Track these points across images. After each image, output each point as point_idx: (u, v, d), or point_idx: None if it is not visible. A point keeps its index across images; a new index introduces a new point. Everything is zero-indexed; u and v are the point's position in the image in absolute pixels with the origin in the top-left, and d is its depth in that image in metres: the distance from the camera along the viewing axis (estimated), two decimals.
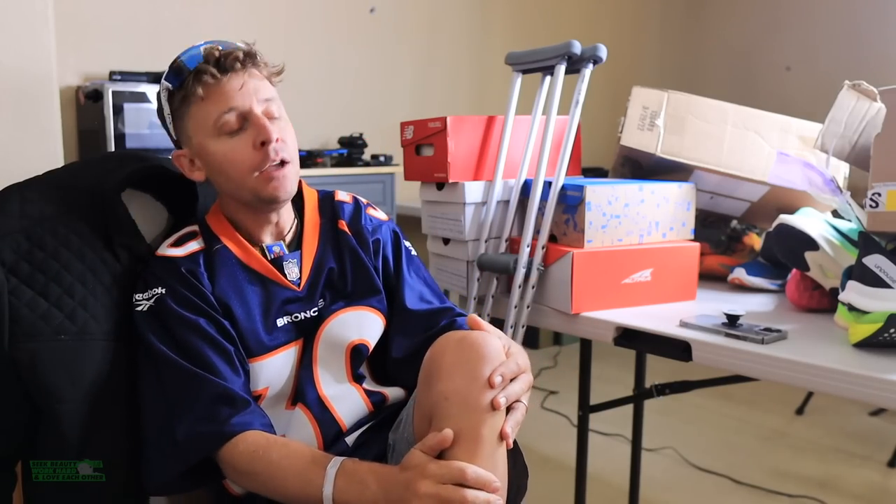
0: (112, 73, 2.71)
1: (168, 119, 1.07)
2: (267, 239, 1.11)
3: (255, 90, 1.03)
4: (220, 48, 1.02)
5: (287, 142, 1.05)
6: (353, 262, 1.13)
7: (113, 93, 2.55)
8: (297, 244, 1.13)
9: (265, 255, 1.10)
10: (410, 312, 1.14)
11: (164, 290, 1.03)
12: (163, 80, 1.04)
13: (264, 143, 1.02)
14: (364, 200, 1.22)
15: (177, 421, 0.97)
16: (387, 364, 1.14)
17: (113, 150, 2.51)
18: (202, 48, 1.02)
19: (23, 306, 0.98)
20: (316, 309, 1.09)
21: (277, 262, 1.09)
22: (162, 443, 0.98)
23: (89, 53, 2.84)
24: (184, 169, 1.09)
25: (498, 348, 0.94)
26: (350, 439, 1.07)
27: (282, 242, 1.11)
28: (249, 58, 1.03)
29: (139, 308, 1.03)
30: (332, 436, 1.06)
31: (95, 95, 2.56)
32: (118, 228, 1.08)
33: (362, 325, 1.11)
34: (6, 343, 0.96)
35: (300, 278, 1.10)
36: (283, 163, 1.04)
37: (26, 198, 1.06)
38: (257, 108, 1.02)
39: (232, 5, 3.19)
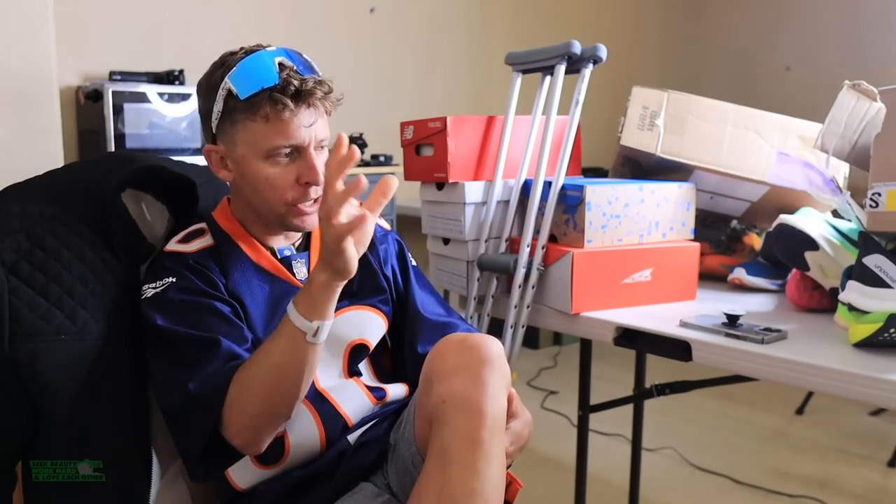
0: (112, 73, 2.71)
1: (215, 115, 1.02)
2: (277, 244, 1.12)
3: (317, 129, 1.03)
4: (298, 72, 1.00)
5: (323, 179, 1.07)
6: (362, 263, 1.14)
7: (113, 93, 2.55)
8: (305, 245, 1.15)
9: (275, 256, 1.11)
10: (427, 320, 1.17)
11: (174, 279, 1.02)
12: (227, 79, 0.99)
13: (308, 184, 1.03)
14: None
15: (192, 383, 0.95)
16: (406, 359, 1.17)
17: (113, 150, 2.51)
18: (276, 63, 0.99)
19: (23, 306, 0.98)
20: None
21: (286, 262, 1.11)
22: (186, 410, 0.96)
23: (89, 53, 2.84)
24: (211, 164, 1.08)
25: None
26: (352, 437, 1.07)
27: (291, 246, 1.13)
28: (324, 97, 1.02)
29: (146, 296, 1.03)
30: (337, 431, 1.06)
31: (95, 95, 2.56)
32: (119, 229, 1.08)
33: (364, 324, 1.12)
34: (6, 343, 0.96)
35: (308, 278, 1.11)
36: (316, 201, 1.05)
37: (26, 198, 1.06)
38: (312, 147, 1.03)
39: (232, 5, 3.19)
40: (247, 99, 0.99)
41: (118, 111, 2.55)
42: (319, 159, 1.04)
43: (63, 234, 1.04)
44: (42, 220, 1.04)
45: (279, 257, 1.11)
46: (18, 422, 1.00)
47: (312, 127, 1.02)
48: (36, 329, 0.98)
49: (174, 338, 0.99)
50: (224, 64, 1.02)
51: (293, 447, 1.04)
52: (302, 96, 0.99)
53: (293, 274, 1.10)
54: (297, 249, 1.14)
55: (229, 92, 1.00)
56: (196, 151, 2.68)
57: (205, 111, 1.05)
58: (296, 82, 0.98)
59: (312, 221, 1.07)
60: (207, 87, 1.03)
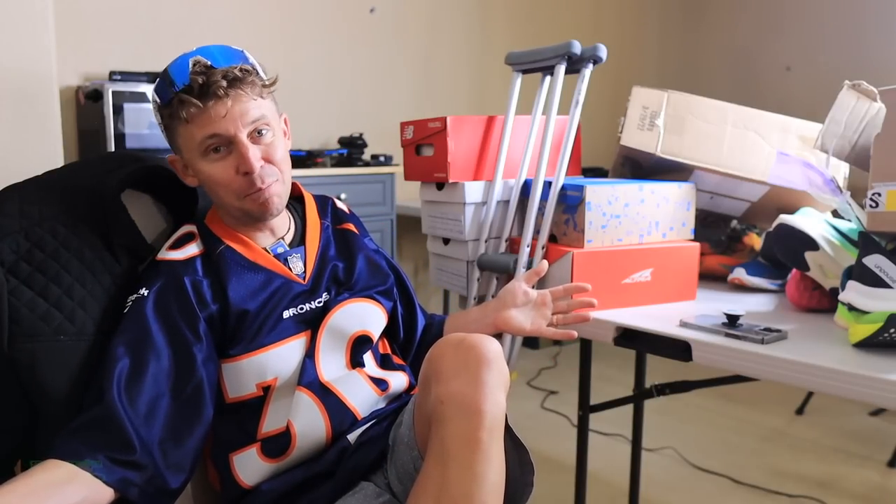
0: (112, 73, 2.71)
1: (161, 127, 1.08)
2: (264, 242, 1.12)
3: (241, 114, 1.01)
4: (207, 67, 0.99)
5: (275, 160, 1.05)
6: (364, 258, 1.19)
7: (113, 93, 2.54)
8: (299, 241, 1.16)
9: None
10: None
11: (146, 293, 1.03)
12: (153, 91, 1.04)
13: (247, 173, 1.03)
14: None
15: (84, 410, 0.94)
16: (414, 343, 1.28)
17: (113, 150, 2.51)
18: (190, 64, 1.00)
19: (22, 306, 0.98)
20: (321, 300, 1.12)
21: (281, 258, 1.12)
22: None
23: (89, 53, 2.83)
24: (178, 172, 1.11)
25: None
26: (353, 437, 1.07)
27: (281, 242, 1.13)
28: (233, 83, 1.01)
29: (129, 299, 1.04)
30: (346, 423, 1.07)
31: (95, 95, 2.56)
32: (118, 229, 1.08)
33: (365, 316, 1.14)
34: (6, 343, 0.96)
35: (305, 272, 1.12)
36: (269, 185, 1.05)
37: (26, 198, 1.06)
38: (242, 134, 1.02)
39: (231, 5, 3.18)
40: (166, 106, 1.02)
41: (118, 111, 2.55)
42: (260, 148, 1.03)
43: (62, 235, 1.04)
44: (41, 220, 1.04)
45: (273, 255, 1.12)
46: (18, 422, 1.00)
47: (230, 115, 1.00)
48: (35, 329, 0.98)
49: (109, 350, 0.97)
50: (159, 77, 1.04)
51: (299, 438, 1.04)
52: (207, 89, 0.99)
53: (289, 269, 1.11)
54: (291, 245, 1.14)
55: (156, 103, 1.04)
56: None
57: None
58: (200, 78, 0.99)
59: (274, 205, 1.06)
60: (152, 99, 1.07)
